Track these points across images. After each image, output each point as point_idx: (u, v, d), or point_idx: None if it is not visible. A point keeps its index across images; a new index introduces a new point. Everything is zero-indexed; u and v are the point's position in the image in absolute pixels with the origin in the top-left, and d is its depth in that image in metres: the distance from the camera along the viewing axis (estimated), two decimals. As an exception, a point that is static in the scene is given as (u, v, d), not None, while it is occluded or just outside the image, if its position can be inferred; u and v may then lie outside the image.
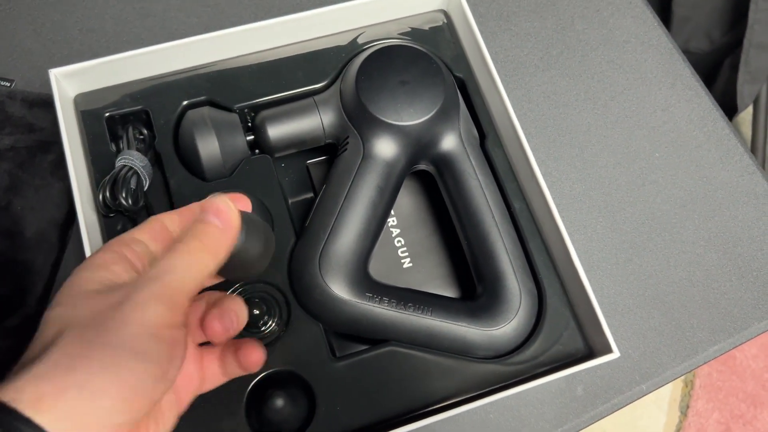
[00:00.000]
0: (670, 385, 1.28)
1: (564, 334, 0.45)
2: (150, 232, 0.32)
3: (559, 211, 0.46)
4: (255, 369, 0.35)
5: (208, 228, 0.30)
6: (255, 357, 0.35)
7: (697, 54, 1.13)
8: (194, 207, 0.34)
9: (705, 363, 0.52)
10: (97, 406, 0.25)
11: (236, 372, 0.35)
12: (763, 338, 1.31)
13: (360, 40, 0.52)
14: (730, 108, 1.12)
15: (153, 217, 0.33)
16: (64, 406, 0.24)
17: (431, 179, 0.52)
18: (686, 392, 1.28)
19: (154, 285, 0.28)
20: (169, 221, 0.33)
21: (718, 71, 1.15)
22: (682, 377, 1.29)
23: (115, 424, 0.25)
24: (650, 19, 0.63)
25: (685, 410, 1.27)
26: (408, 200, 0.53)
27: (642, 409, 1.26)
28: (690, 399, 1.28)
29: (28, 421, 0.23)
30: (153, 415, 0.31)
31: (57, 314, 0.28)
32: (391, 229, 0.52)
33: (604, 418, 0.51)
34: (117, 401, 0.25)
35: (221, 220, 0.31)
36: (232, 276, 0.34)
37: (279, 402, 0.42)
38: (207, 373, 0.35)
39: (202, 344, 0.35)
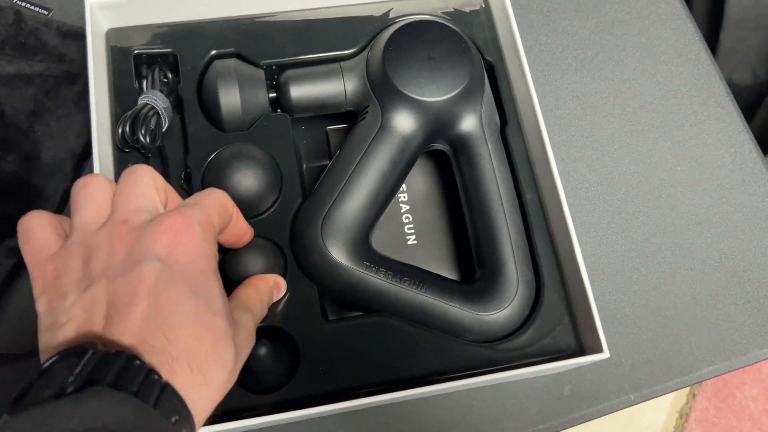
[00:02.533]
0: (664, 414, 1.26)
1: (557, 328, 0.45)
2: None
3: (571, 212, 0.45)
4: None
5: (268, 302, 0.41)
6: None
7: (739, 86, 1.11)
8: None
9: (698, 382, 0.52)
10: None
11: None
12: (766, 381, 1.28)
13: (394, 13, 0.51)
14: (765, 144, 1.10)
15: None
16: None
17: (447, 161, 0.52)
18: (680, 424, 1.26)
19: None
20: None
21: (758, 106, 1.13)
22: (678, 408, 1.27)
23: None
24: (692, 33, 0.62)
25: (677, 441, 1.25)
26: (422, 179, 0.53)
27: (633, 434, 1.24)
28: (683, 431, 1.26)
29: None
30: None
31: None
32: (401, 205, 0.52)
33: (587, 422, 0.51)
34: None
35: (278, 293, 0.42)
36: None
37: (262, 352, 0.42)
38: None
39: None
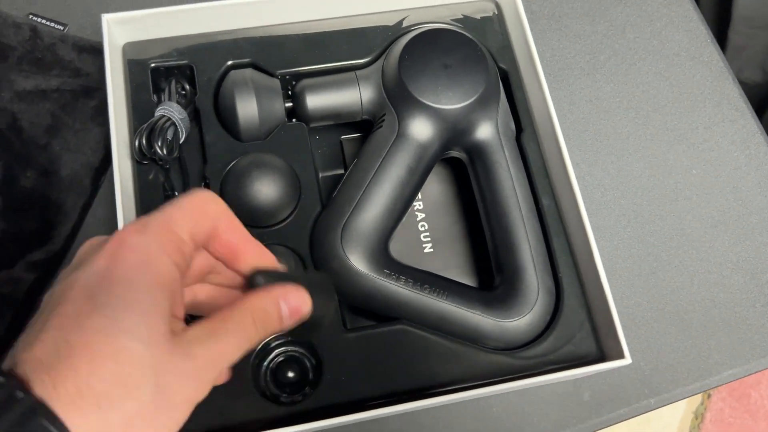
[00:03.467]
0: (679, 414, 1.25)
1: (577, 335, 0.45)
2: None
3: (588, 216, 0.45)
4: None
5: (277, 320, 0.30)
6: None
7: (748, 84, 1.11)
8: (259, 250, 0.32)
9: (717, 386, 0.52)
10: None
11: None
12: (782, 380, 1.28)
13: (407, 22, 0.52)
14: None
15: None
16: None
17: (462, 168, 0.52)
18: (695, 424, 1.26)
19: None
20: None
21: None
22: (693, 409, 1.26)
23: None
24: (704, 35, 0.62)
25: (692, 443, 1.24)
26: (437, 187, 0.53)
27: (648, 435, 1.24)
28: (698, 432, 1.25)
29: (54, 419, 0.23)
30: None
31: None
32: (416, 213, 0.52)
33: (607, 427, 0.51)
34: None
35: (292, 317, 0.30)
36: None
37: (287, 365, 0.42)
38: None
39: None
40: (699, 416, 1.26)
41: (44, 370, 0.24)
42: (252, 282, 0.30)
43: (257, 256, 0.32)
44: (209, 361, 0.28)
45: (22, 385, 0.23)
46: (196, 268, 0.32)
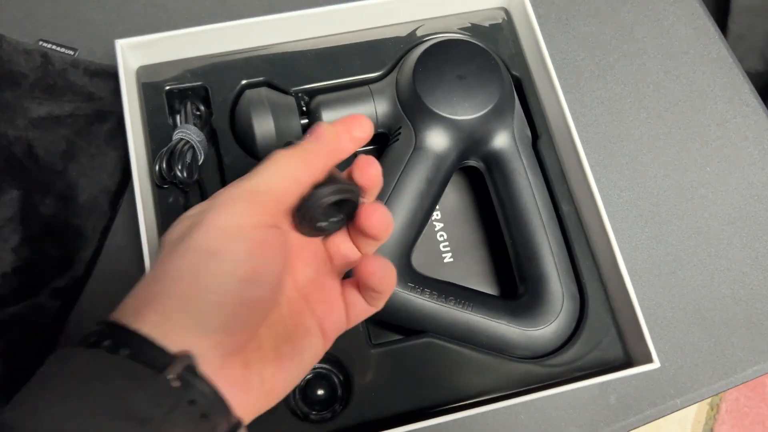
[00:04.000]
0: (695, 406, 1.25)
1: (604, 340, 0.45)
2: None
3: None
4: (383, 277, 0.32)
5: (303, 143, 0.31)
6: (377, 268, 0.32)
7: (750, 73, 1.11)
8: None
9: (743, 383, 0.52)
10: (184, 310, 0.25)
11: (372, 297, 0.33)
12: (795, 368, 1.28)
13: (419, 33, 0.52)
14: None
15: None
16: (166, 326, 0.25)
17: (477, 176, 0.52)
18: (711, 415, 1.26)
19: (237, 186, 0.28)
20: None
21: (770, 92, 1.12)
22: (708, 400, 1.26)
23: (211, 332, 0.25)
24: (711, 32, 0.62)
25: (708, 433, 1.24)
26: (453, 196, 0.53)
27: (665, 428, 1.24)
28: (714, 423, 1.25)
29: (142, 339, 0.24)
30: (290, 342, 0.30)
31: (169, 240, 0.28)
32: (434, 223, 0.52)
33: (635, 429, 0.51)
34: (203, 304, 0.25)
35: (316, 136, 0.31)
36: None
37: (315, 382, 0.43)
38: (350, 302, 0.33)
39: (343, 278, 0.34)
40: (714, 407, 1.26)
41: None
42: None
43: None
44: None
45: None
46: None
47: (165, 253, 0.27)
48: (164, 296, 0.25)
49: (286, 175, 0.29)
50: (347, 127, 0.33)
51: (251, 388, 0.28)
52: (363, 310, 0.34)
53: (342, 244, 0.35)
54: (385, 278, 0.31)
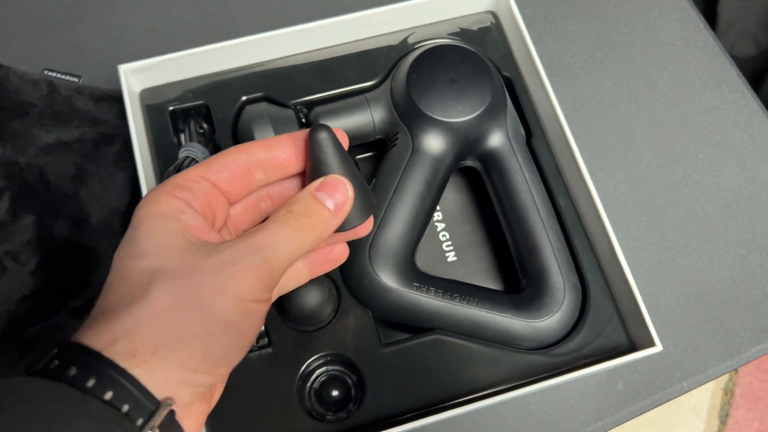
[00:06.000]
0: (709, 393, 1.26)
1: (607, 327, 0.46)
2: (213, 168, 0.31)
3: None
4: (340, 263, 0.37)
5: (321, 210, 0.30)
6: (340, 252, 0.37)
7: (742, 59, 1.12)
8: (285, 139, 0.33)
9: (747, 363, 0.53)
10: (184, 367, 0.26)
11: (321, 269, 0.37)
12: (806, 349, 1.28)
13: (410, 40, 0.53)
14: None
15: (228, 151, 0.32)
16: (154, 363, 0.25)
17: (475, 176, 0.53)
18: (726, 401, 1.27)
19: (255, 258, 0.27)
20: (254, 150, 0.32)
21: (764, 76, 1.13)
22: (722, 386, 1.27)
23: (197, 384, 0.27)
24: (696, 21, 0.64)
25: (724, 419, 1.25)
26: (453, 196, 0.54)
27: (680, 416, 1.24)
28: (730, 408, 1.26)
29: (124, 372, 0.24)
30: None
31: (147, 265, 0.27)
32: (436, 224, 0.53)
33: (643, 413, 0.52)
34: (203, 365, 0.26)
35: (335, 204, 0.31)
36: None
37: (329, 384, 0.44)
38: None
39: None
40: (729, 392, 1.27)
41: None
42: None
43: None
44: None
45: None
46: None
47: (163, 297, 0.26)
48: (165, 349, 0.25)
49: (298, 253, 0.29)
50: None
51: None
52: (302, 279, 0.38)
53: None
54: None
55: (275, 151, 0.32)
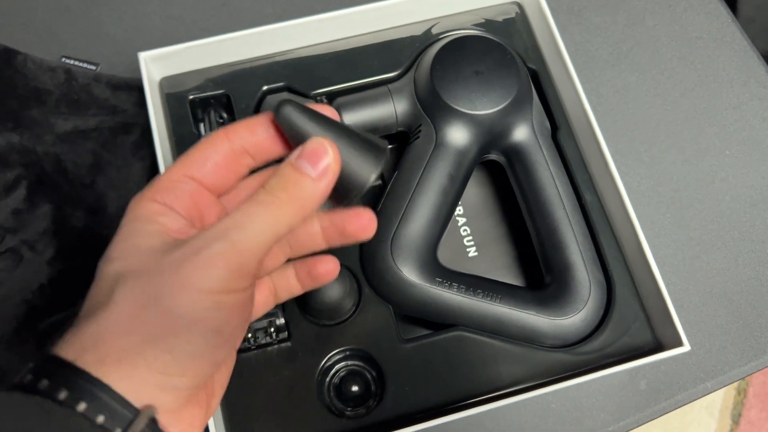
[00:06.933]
0: (721, 392, 1.25)
1: (632, 326, 0.45)
2: (196, 162, 0.29)
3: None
4: (328, 279, 0.36)
5: (301, 179, 0.27)
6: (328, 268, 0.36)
7: (762, 56, 1.10)
8: (267, 119, 0.30)
9: (772, 364, 0.52)
10: (155, 371, 0.24)
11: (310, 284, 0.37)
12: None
13: (434, 31, 0.52)
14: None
15: (210, 139, 0.30)
16: (126, 369, 0.24)
17: (497, 170, 0.52)
18: (739, 400, 1.26)
19: (219, 245, 0.25)
20: (234, 135, 0.30)
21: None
22: (735, 385, 1.26)
23: (176, 388, 0.25)
24: (724, 16, 0.62)
25: (737, 419, 1.24)
26: (475, 190, 0.54)
27: (693, 415, 1.24)
28: (743, 408, 1.25)
29: (97, 381, 0.23)
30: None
31: (114, 269, 0.26)
32: (457, 218, 0.53)
33: (665, 414, 0.51)
34: (174, 367, 0.25)
35: (316, 169, 0.27)
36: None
37: (349, 379, 0.43)
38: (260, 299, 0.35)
39: None
40: (741, 392, 1.26)
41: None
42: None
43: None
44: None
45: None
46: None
47: (126, 299, 0.25)
48: (134, 353, 0.24)
49: (277, 232, 0.26)
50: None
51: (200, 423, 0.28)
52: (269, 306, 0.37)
53: (290, 278, 0.37)
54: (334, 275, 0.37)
55: (259, 133, 0.30)
